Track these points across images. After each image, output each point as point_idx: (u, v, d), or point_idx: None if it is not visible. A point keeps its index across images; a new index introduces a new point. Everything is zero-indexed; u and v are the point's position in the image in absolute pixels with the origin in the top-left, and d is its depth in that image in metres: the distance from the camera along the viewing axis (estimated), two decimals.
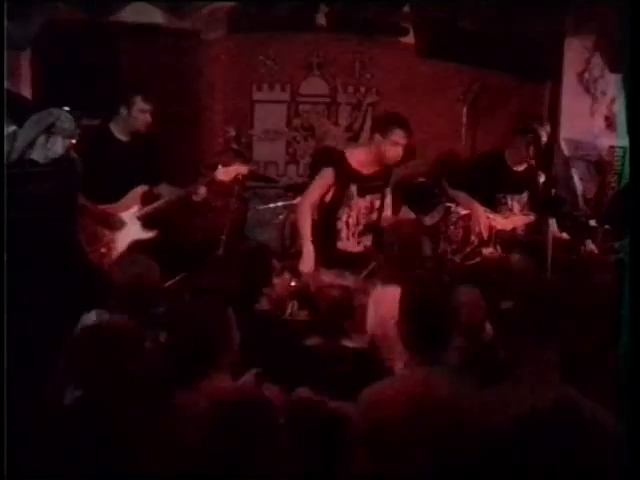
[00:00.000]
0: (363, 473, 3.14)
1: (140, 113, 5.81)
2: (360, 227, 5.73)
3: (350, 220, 5.71)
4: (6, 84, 5.00)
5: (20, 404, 3.25)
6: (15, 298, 3.77)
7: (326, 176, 5.69)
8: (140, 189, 5.89)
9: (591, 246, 5.71)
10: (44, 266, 4.92)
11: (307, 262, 5.51)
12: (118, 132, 5.88)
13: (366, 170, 5.70)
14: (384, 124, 5.66)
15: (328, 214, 5.70)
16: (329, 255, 5.57)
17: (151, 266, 4.27)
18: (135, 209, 5.90)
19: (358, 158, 5.69)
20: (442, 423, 3.07)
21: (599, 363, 3.62)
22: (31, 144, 5.05)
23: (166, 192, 5.96)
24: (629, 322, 3.00)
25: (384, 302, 4.14)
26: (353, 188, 5.67)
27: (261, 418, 2.69)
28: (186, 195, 5.94)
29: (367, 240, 5.76)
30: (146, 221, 5.90)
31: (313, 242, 5.55)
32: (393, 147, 5.58)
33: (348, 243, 5.71)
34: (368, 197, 5.72)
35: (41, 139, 5.07)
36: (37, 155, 5.06)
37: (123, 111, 5.81)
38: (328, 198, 5.69)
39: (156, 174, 5.98)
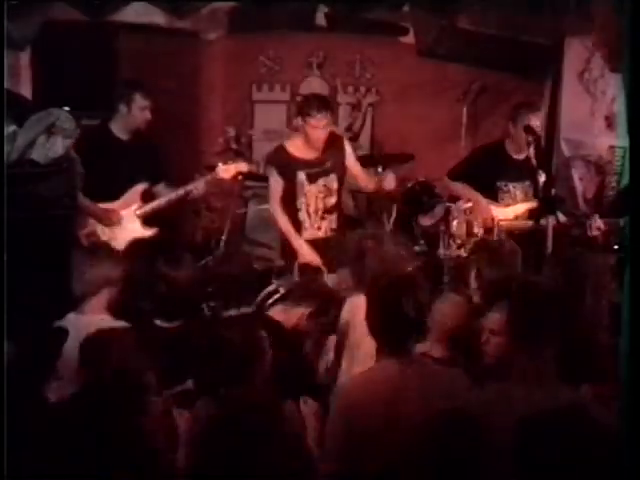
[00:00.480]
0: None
1: (140, 110, 5.81)
2: (320, 213, 5.79)
3: (310, 209, 5.78)
4: (6, 84, 5.00)
5: (20, 404, 3.25)
6: (15, 298, 3.77)
7: (272, 173, 5.79)
8: (140, 187, 5.90)
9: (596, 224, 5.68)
10: (44, 266, 4.92)
11: (306, 255, 5.63)
12: (118, 131, 5.89)
13: (308, 156, 5.74)
14: (302, 107, 5.71)
15: (290, 208, 5.76)
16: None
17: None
18: (135, 207, 5.90)
19: (296, 146, 5.76)
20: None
21: (599, 362, 3.62)
22: (31, 144, 5.05)
23: (165, 190, 5.96)
24: (629, 322, 3.00)
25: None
26: (301, 176, 5.73)
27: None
28: (185, 192, 5.93)
29: (331, 223, 5.84)
30: (146, 219, 5.90)
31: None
32: (314, 130, 5.60)
33: (312, 232, 5.79)
34: (320, 181, 5.76)
35: (41, 139, 5.07)
36: (37, 155, 5.06)
37: (123, 109, 5.82)
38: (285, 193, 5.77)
39: (156, 172, 5.98)
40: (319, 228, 5.83)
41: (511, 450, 2.55)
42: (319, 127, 5.60)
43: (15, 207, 4.27)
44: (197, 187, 5.93)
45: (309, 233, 5.80)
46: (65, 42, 6.46)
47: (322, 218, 5.82)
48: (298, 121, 5.70)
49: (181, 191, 5.93)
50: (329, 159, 5.78)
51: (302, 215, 5.80)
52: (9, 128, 4.98)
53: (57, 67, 6.43)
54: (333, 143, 5.79)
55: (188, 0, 6.11)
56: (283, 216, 5.76)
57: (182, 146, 7.14)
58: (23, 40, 5.67)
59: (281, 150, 5.80)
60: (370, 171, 6.37)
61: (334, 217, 5.85)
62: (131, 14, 6.34)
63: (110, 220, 5.80)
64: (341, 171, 5.85)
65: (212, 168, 6.27)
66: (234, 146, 7.45)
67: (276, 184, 5.79)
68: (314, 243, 5.73)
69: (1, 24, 4.62)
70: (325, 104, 5.68)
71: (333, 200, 5.82)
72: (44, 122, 5.10)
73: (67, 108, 5.33)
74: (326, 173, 5.78)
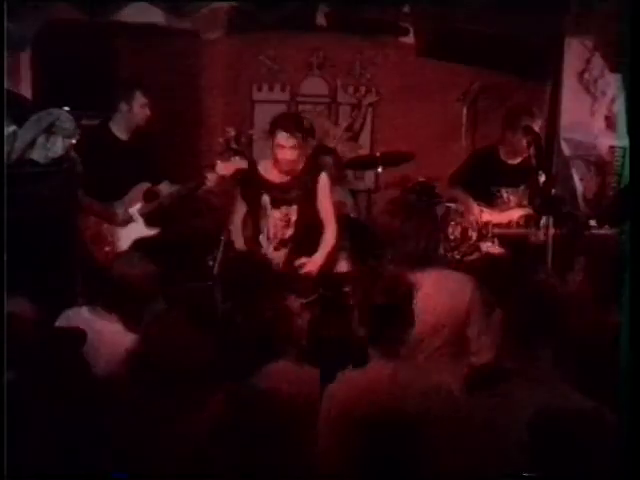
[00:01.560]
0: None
1: (140, 107, 5.83)
2: (275, 243, 5.55)
3: (270, 234, 5.54)
4: (6, 84, 5.00)
5: (20, 404, 3.24)
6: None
7: (237, 192, 5.63)
8: (142, 186, 5.91)
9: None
10: (44, 266, 4.92)
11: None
12: (118, 130, 5.90)
13: (276, 179, 5.52)
14: (271, 125, 5.51)
15: (251, 227, 5.58)
16: None
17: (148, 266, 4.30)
18: (138, 206, 5.91)
19: (266, 167, 5.56)
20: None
21: (599, 362, 3.62)
22: (31, 144, 5.05)
23: (167, 190, 5.97)
24: (629, 322, 3.00)
25: None
26: (265, 199, 5.52)
27: None
28: (188, 190, 5.92)
29: (279, 259, 5.50)
30: (149, 218, 5.91)
31: None
32: (280, 150, 5.39)
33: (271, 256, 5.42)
34: (283, 208, 5.52)
35: (41, 139, 5.07)
36: (37, 155, 5.06)
37: (124, 107, 5.83)
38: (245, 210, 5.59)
39: (157, 172, 5.98)
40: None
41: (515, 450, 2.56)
42: (286, 147, 5.36)
43: (15, 207, 4.28)
44: (208, 179, 5.80)
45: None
46: (65, 42, 6.45)
47: (275, 249, 5.54)
48: (270, 141, 5.49)
49: (183, 189, 5.93)
50: (296, 188, 5.52)
51: (263, 239, 5.56)
52: (9, 128, 4.98)
53: (57, 67, 6.42)
54: (309, 173, 5.54)
55: (188, 0, 6.11)
56: (240, 237, 5.58)
57: (182, 146, 7.14)
58: (23, 40, 5.67)
59: (251, 169, 5.62)
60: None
61: (284, 253, 5.53)
62: (131, 14, 6.34)
63: (113, 219, 5.81)
64: (306, 204, 5.52)
65: (213, 168, 6.29)
66: (234, 146, 7.41)
67: (239, 205, 5.64)
68: None
69: (1, 24, 4.62)
70: (295, 125, 5.43)
71: (289, 232, 5.54)
72: (44, 122, 5.10)
73: (67, 108, 5.33)
74: (289, 202, 5.51)
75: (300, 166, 5.55)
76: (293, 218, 5.53)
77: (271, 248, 5.54)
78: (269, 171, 5.56)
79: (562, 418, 2.56)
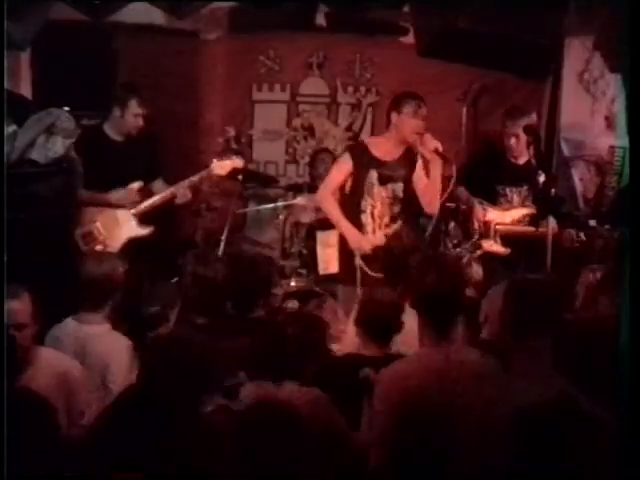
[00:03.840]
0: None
1: (133, 117, 5.80)
2: (386, 219, 5.45)
3: (375, 211, 5.43)
4: (6, 84, 5.00)
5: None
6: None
7: (343, 159, 5.51)
8: (135, 185, 5.85)
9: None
10: (44, 266, 4.92)
11: (354, 239, 5.34)
12: (111, 132, 5.89)
13: (385, 157, 5.45)
14: (397, 103, 5.44)
15: (350, 206, 5.44)
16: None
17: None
18: (129, 205, 5.87)
19: (377, 143, 5.50)
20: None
21: (598, 362, 3.62)
22: (31, 144, 5.05)
23: (160, 189, 5.93)
24: (629, 322, 3.00)
25: None
26: (373, 175, 5.41)
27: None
28: (171, 195, 5.85)
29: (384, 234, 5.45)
30: (142, 218, 5.87)
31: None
32: (409, 120, 5.35)
33: (374, 237, 5.40)
34: (390, 186, 5.43)
35: (41, 139, 5.07)
36: (37, 155, 5.06)
37: (117, 112, 5.81)
38: (348, 188, 5.44)
39: (151, 170, 5.96)
40: (386, 235, 5.42)
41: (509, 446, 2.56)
42: (414, 122, 5.34)
43: (15, 207, 4.28)
44: (179, 192, 5.80)
45: (370, 239, 5.39)
46: (65, 42, 6.46)
47: (386, 226, 5.44)
48: (393, 115, 5.41)
49: (167, 193, 5.86)
50: (402, 167, 5.46)
51: (366, 218, 5.43)
52: (9, 128, 4.98)
53: (57, 67, 6.43)
54: (409, 155, 5.48)
55: (188, 0, 6.11)
56: (333, 203, 5.44)
57: (182, 146, 7.14)
58: (23, 40, 5.66)
59: (360, 144, 5.62)
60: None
61: (395, 227, 5.45)
62: (131, 14, 6.33)
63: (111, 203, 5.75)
64: (409, 182, 5.48)
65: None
66: (234, 146, 7.44)
67: (338, 172, 5.50)
68: (373, 251, 5.33)
69: (1, 24, 4.62)
70: (417, 96, 5.47)
71: (397, 209, 5.46)
72: (44, 122, 5.10)
73: (67, 108, 5.33)
74: (396, 180, 5.44)
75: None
76: (401, 195, 5.46)
77: (373, 227, 5.44)
78: (380, 148, 5.47)
79: (549, 412, 2.57)
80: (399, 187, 5.45)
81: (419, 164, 5.50)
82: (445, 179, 5.45)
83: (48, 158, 5.09)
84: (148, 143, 5.98)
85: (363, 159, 5.41)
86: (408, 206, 5.51)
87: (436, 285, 3.44)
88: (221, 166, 5.88)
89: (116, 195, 5.76)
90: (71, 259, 5.13)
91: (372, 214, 5.43)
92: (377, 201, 5.41)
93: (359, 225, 5.41)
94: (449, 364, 3.32)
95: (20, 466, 2.74)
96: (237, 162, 5.94)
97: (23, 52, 6.13)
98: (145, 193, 5.88)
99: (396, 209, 5.46)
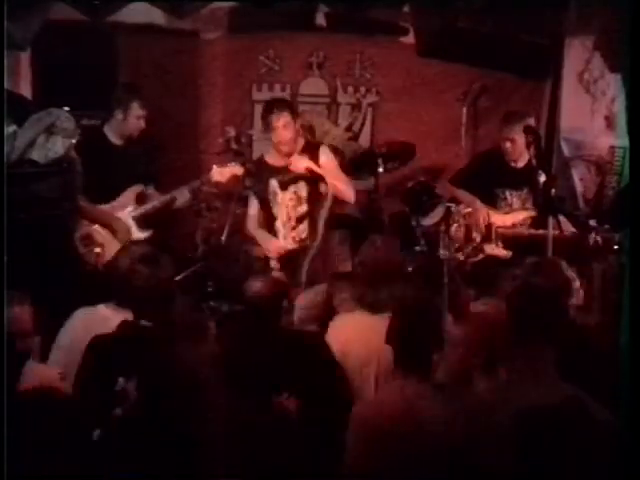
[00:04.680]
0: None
1: (135, 119, 5.82)
2: (292, 222, 5.76)
3: (284, 217, 5.76)
4: (6, 84, 5.00)
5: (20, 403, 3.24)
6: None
7: (250, 200, 5.91)
8: (134, 189, 5.88)
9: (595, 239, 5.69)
10: (44, 266, 4.92)
11: (265, 246, 5.78)
12: (111, 135, 5.90)
13: (279, 163, 5.76)
14: (263, 113, 5.79)
15: (268, 219, 5.82)
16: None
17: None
18: (130, 209, 5.89)
19: (271, 153, 5.83)
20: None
21: (598, 362, 3.62)
22: (31, 144, 5.05)
23: (156, 193, 5.97)
24: (629, 322, 3.00)
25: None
26: (273, 183, 5.75)
27: None
28: (170, 199, 5.92)
29: (300, 234, 5.77)
30: (141, 221, 5.89)
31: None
32: (276, 132, 5.65)
33: (286, 242, 5.76)
34: (291, 188, 5.73)
35: (41, 139, 5.07)
36: (37, 155, 5.06)
37: (119, 115, 5.82)
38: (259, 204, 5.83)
39: (150, 175, 5.97)
40: (294, 238, 5.77)
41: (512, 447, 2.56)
42: (279, 126, 5.62)
43: (15, 207, 4.28)
44: (181, 196, 5.90)
45: (282, 245, 5.77)
46: (65, 42, 6.45)
47: (292, 228, 5.77)
48: (264, 129, 5.78)
49: (167, 197, 5.92)
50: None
51: (278, 224, 5.80)
52: (9, 128, 4.98)
53: (57, 67, 6.42)
54: (307, 150, 5.75)
55: (188, 0, 6.11)
56: (257, 230, 5.86)
57: (182, 146, 7.14)
58: (23, 40, 5.67)
59: (259, 160, 5.94)
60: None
61: (304, 227, 5.77)
62: (131, 14, 6.34)
63: (111, 226, 5.78)
64: (313, 179, 5.72)
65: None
66: (234, 146, 7.42)
67: (252, 209, 5.91)
68: (286, 255, 5.72)
69: (1, 24, 4.62)
70: (284, 104, 5.79)
71: (303, 209, 5.75)
72: (44, 122, 5.10)
73: (67, 108, 5.33)
74: (295, 180, 5.72)
75: (299, 146, 5.78)
76: (304, 193, 5.73)
77: (284, 233, 5.75)
78: (273, 156, 5.80)
79: (550, 414, 2.57)
80: (301, 186, 5.74)
81: (322, 158, 5.76)
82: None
83: (48, 158, 5.08)
84: (147, 147, 6.00)
85: (262, 172, 5.79)
86: (315, 202, 5.75)
87: None
88: (221, 172, 5.93)
89: (115, 204, 5.81)
90: (71, 259, 5.14)
91: (282, 220, 5.77)
92: (283, 206, 5.74)
93: (274, 233, 5.80)
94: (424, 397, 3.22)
95: (20, 466, 2.74)
96: (236, 169, 5.98)
97: (23, 52, 6.13)
98: (143, 197, 5.90)
99: (301, 209, 5.75)
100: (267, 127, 5.69)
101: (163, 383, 3.09)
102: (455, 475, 2.99)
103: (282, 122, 5.62)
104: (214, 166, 5.98)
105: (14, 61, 5.98)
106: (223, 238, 6.44)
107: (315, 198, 5.73)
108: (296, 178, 5.70)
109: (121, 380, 3.50)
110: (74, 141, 5.21)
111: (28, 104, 5.78)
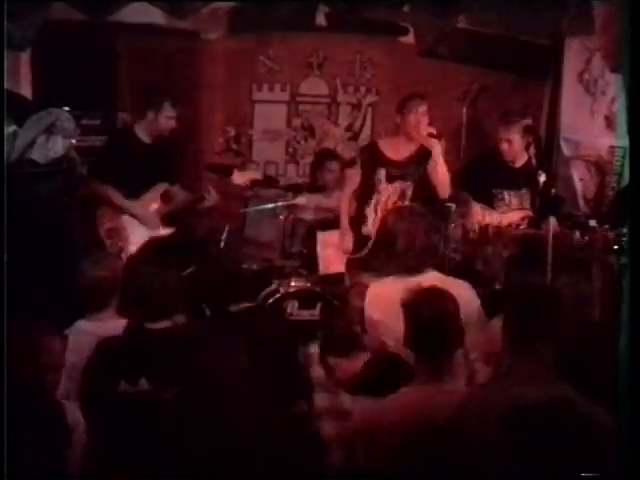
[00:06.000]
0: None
1: (166, 119, 5.95)
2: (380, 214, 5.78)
3: (379, 207, 5.83)
4: (6, 84, 5.00)
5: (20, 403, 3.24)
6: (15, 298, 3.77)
7: (354, 172, 5.97)
8: (161, 187, 6.04)
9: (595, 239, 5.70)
10: (44, 266, 4.92)
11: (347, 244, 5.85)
12: (142, 134, 6.00)
13: (395, 157, 5.85)
14: (402, 104, 5.84)
15: (360, 200, 5.91)
16: (355, 240, 5.86)
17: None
18: (155, 206, 6.03)
19: (388, 144, 5.90)
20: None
21: (598, 362, 3.62)
22: (31, 144, 5.06)
23: (181, 192, 6.12)
24: (629, 322, 3.00)
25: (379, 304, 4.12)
26: (381, 173, 5.82)
27: None
28: (196, 199, 6.12)
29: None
30: (165, 219, 6.02)
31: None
32: (412, 126, 5.75)
33: (372, 229, 5.81)
34: (397, 183, 5.82)
35: (41, 139, 5.08)
36: (37, 155, 5.06)
37: (150, 115, 5.93)
38: (358, 184, 5.91)
39: (174, 174, 6.12)
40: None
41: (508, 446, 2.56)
42: (418, 112, 5.71)
43: (15, 207, 4.27)
44: (209, 195, 6.12)
45: (368, 229, 5.86)
46: (65, 42, 6.46)
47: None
48: (397, 119, 5.86)
49: (196, 196, 6.12)
50: (413, 167, 5.86)
51: (369, 210, 5.88)
52: (9, 128, 4.98)
53: (57, 67, 6.43)
54: (421, 155, 5.85)
55: (188, 0, 6.11)
56: (346, 207, 5.95)
57: (182, 146, 7.14)
58: (23, 40, 5.66)
59: (371, 144, 6.08)
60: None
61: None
62: (131, 14, 6.34)
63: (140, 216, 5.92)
64: (420, 184, 5.87)
65: (212, 169, 6.45)
66: (234, 146, 7.45)
67: (354, 176, 5.98)
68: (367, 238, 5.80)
69: (1, 24, 4.62)
70: (419, 97, 5.87)
71: (402, 204, 5.82)
72: (44, 122, 5.10)
73: (67, 108, 5.34)
74: (404, 178, 5.84)
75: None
76: (409, 193, 5.85)
77: (375, 219, 5.80)
78: (390, 148, 5.87)
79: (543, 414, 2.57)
80: (407, 186, 5.85)
81: (435, 157, 5.82)
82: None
83: (48, 158, 5.09)
84: (173, 147, 6.14)
85: (372, 158, 5.85)
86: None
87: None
88: (243, 176, 6.19)
89: (142, 201, 5.95)
90: (71, 259, 5.13)
91: (375, 208, 5.84)
92: (383, 196, 5.82)
93: (362, 217, 5.86)
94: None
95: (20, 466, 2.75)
96: (254, 174, 6.31)
97: (23, 52, 6.13)
98: (169, 195, 6.06)
99: (401, 204, 5.79)
100: (403, 119, 5.78)
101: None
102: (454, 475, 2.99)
103: (421, 110, 5.75)
104: (235, 170, 6.20)
105: (14, 61, 5.97)
106: (223, 238, 6.48)
107: (417, 198, 5.83)
108: (406, 176, 5.82)
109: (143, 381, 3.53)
110: (74, 141, 5.23)
111: (28, 104, 5.78)
